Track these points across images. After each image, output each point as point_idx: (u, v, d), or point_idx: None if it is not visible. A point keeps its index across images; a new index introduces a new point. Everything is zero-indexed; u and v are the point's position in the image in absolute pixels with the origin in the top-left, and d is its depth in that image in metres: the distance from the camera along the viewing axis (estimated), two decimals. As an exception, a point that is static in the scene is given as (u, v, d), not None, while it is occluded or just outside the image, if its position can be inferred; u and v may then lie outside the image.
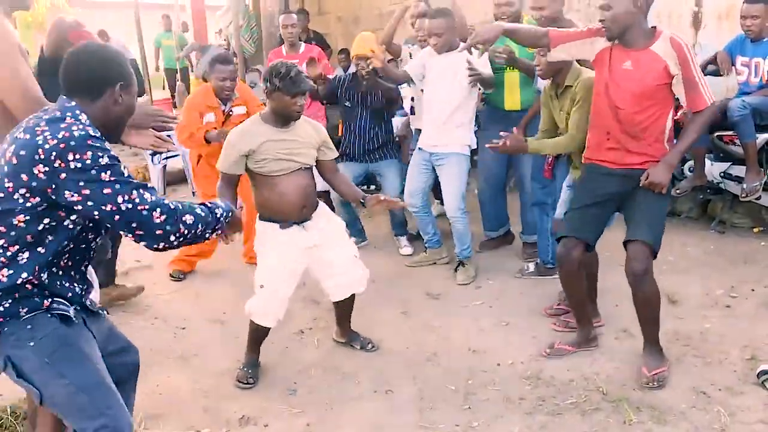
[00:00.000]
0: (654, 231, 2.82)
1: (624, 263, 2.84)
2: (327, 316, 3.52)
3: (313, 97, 4.62)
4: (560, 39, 3.00)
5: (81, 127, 1.74)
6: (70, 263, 1.87)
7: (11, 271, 1.74)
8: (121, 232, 1.79)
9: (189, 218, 1.84)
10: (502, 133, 3.32)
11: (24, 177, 1.70)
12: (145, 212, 1.75)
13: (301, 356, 3.29)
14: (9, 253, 1.74)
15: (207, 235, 1.93)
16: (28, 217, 1.73)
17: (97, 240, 1.94)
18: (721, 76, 4.61)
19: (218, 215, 1.96)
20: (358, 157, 4.58)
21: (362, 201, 3.14)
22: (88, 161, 1.70)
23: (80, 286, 1.92)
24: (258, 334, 3.07)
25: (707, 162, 4.61)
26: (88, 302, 1.96)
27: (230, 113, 4.27)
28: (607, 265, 3.55)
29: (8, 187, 1.72)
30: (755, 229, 4.71)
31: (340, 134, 5.20)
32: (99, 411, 1.77)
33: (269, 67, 2.89)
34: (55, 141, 1.69)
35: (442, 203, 4.96)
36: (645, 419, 2.61)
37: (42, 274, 1.79)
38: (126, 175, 1.76)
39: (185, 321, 3.71)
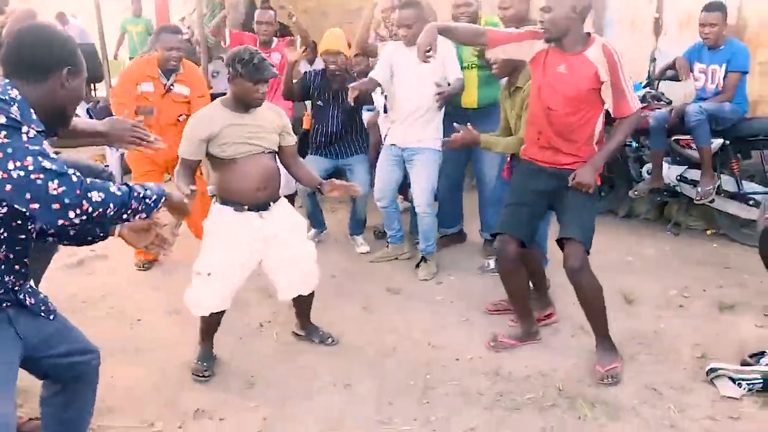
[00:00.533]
0: (584, 229, 2.91)
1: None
2: (286, 310, 3.49)
3: (286, 96, 4.52)
4: (499, 40, 3.04)
5: None
6: (10, 255, 1.75)
7: None
8: (16, 207, 1.59)
9: (97, 195, 1.62)
10: (456, 125, 3.44)
11: None
12: (39, 181, 1.53)
13: (259, 349, 3.25)
14: None
15: (125, 216, 1.74)
16: None
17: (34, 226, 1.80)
18: (679, 81, 4.72)
19: (141, 196, 1.77)
20: (327, 154, 4.53)
21: (319, 187, 3.12)
22: None
23: (17, 280, 1.80)
24: (210, 324, 3.01)
25: (665, 165, 4.72)
26: (26, 301, 1.85)
27: (171, 87, 4.13)
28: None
29: None
30: (708, 232, 4.84)
31: (304, 127, 5.14)
32: None
33: (232, 53, 2.83)
34: None
35: (406, 199, 4.96)
36: (599, 415, 2.66)
37: None
38: (26, 140, 1.56)
39: (141, 312, 3.63)
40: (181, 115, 4.17)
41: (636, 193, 4.82)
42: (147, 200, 1.79)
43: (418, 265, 4.19)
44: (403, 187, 4.64)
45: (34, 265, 2.05)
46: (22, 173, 1.53)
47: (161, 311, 3.64)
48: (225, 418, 2.68)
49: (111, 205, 1.67)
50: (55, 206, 1.56)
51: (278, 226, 2.97)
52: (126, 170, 6.47)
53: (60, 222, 1.59)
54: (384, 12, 4.83)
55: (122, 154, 6.39)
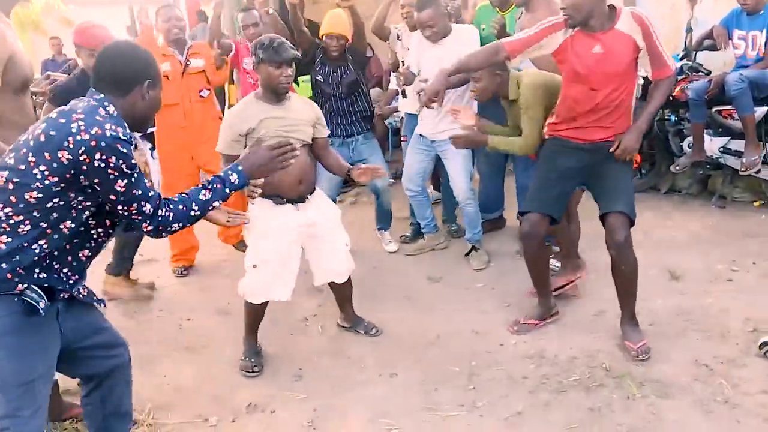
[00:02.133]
0: (629, 201, 2.90)
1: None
2: (331, 303, 3.54)
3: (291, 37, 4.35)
4: (518, 49, 2.97)
5: (114, 127, 1.80)
6: (74, 249, 1.89)
7: (10, 239, 1.78)
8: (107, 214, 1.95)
9: (177, 225, 1.97)
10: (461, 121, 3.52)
11: (47, 156, 1.76)
12: (137, 220, 1.90)
13: (306, 343, 3.32)
14: (12, 221, 1.78)
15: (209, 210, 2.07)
16: (40, 195, 1.77)
17: (103, 236, 1.96)
18: (717, 50, 4.59)
19: (219, 201, 2.06)
20: (333, 131, 4.26)
21: (349, 174, 3.16)
22: (111, 164, 1.78)
23: (74, 275, 1.93)
24: (254, 316, 3.09)
25: (706, 137, 4.60)
26: (78, 293, 1.97)
27: (188, 63, 4.13)
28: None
29: (30, 161, 1.77)
30: (756, 203, 4.71)
31: None
32: (7, 411, 1.80)
33: (255, 42, 2.93)
34: (88, 136, 1.76)
35: (436, 189, 4.95)
36: (648, 393, 2.64)
37: (42, 250, 1.81)
38: (135, 182, 1.84)
39: (191, 312, 3.74)
40: (202, 90, 4.19)
41: (678, 167, 4.71)
42: (225, 197, 2.08)
43: (468, 254, 4.18)
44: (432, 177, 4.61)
45: None
46: (126, 213, 1.88)
47: (209, 311, 3.74)
48: (276, 411, 2.75)
49: (189, 224, 2.03)
50: (144, 234, 1.98)
51: (314, 216, 3.03)
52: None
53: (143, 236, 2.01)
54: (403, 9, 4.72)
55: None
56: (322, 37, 4.19)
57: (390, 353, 3.14)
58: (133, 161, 1.83)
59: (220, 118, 4.15)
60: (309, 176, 3.01)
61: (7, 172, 1.79)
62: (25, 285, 1.79)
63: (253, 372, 3.03)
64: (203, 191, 2.01)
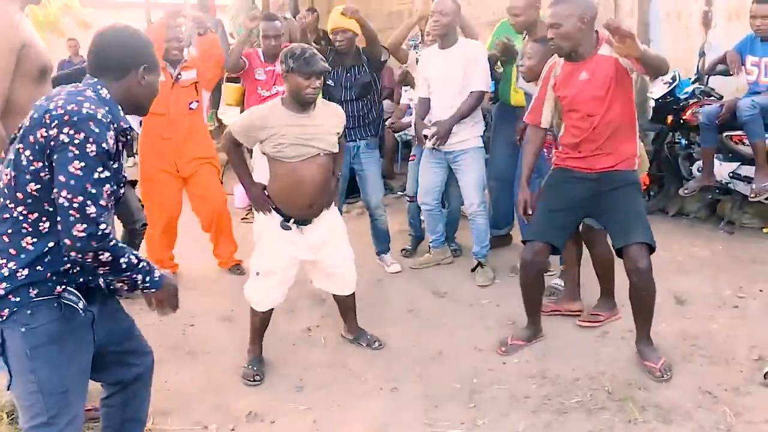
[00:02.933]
0: (646, 229, 2.90)
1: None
2: (334, 314, 3.54)
3: None
4: (538, 115, 3.12)
5: (92, 106, 1.74)
6: None
7: (35, 239, 1.77)
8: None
9: (106, 255, 1.75)
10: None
11: (30, 139, 1.73)
12: (72, 218, 1.69)
13: (308, 354, 3.31)
14: (30, 220, 1.76)
15: (124, 279, 1.87)
16: (38, 186, 1.74)
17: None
18: (730, 75, 4.59)
19: (142, 280, 1.88)
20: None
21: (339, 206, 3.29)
22: (76, 141, 1.69)
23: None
24: (260, 323, 3.12)
25: (716, 162, 4.59)
26: (112, 284, 1.96)
27: (179, 77, 4.14)
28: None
29: (19, 148, 1.75)
30: (765, 230, 4.68)
31: None
32: (47, 418, 1.79)
33: (285, 50, 2.94)
34: (62, 111, 1.71)
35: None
36: (650, 418, 2.62)
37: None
38: (94, 176, 1.70)
39: (194, 318, 3.73)
40: (191, 102, 4.20)
41: (686, 191, 4.70)
42: (146, 283, 1.92)
43: (474, 270, 4.16)
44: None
45: None
46: (66, 204, 1.69)
47: (213, 317, 3.74)
48: (276, 421, 2.74)
49: (112, 265, 1.79)
50: (67, 242, 1.71)
51: (319, 240, 3.07)
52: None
53: (70, 252, 1.72)
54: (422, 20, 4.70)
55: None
56: (330, 32, 4.18)
57: (392, 367, 3.13)
58: (104, 148, 1.72)
59: (211, 131, 4.16)
60: (320, 198, 3.01)
61: (9, 168, 1.77)
62: (63, 287, 1.79)
63: (254, 381, 3.02)
64: (135, 257, 1.85)
